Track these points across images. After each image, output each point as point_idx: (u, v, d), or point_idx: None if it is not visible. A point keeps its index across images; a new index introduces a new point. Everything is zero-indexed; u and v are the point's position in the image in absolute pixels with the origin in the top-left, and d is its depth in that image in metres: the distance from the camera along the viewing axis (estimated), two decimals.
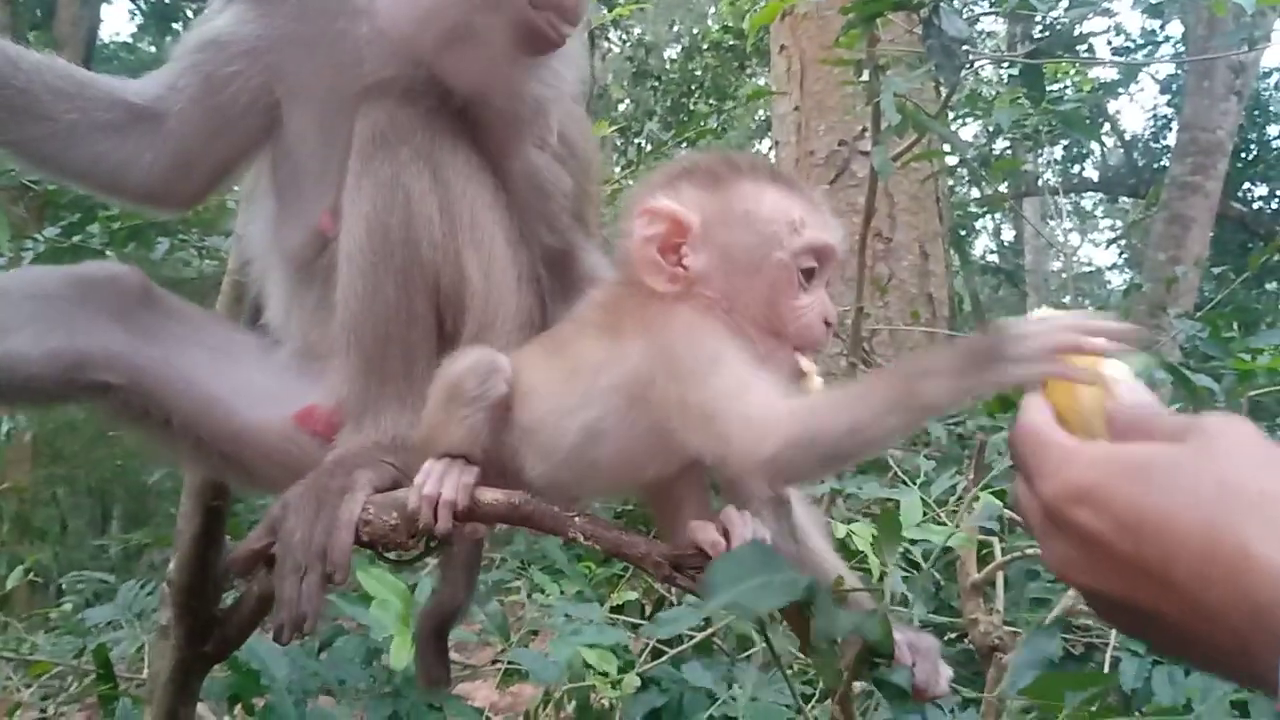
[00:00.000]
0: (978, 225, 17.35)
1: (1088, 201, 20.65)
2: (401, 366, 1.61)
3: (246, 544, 1.54)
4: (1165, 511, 0.87)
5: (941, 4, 2.92)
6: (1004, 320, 1.07)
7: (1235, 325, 4.60)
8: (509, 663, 3.07)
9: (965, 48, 3.05)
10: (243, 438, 1.73)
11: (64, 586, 6.17)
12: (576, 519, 1.33)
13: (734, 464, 1.17)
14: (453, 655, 3.96)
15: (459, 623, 1.80)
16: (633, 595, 3.59)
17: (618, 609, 3.61)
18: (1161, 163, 13.86)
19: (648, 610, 4.11)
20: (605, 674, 2.90)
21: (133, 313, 1.73)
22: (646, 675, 3.12)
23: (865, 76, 3.45)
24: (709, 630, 3.39)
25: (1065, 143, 14.35)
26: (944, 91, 3.51)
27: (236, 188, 2.21)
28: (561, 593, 3.47)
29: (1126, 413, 1.03)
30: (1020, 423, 1.04)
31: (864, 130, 3.53)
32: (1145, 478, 0.90)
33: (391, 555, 1.54)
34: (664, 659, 3.31)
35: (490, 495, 1.38)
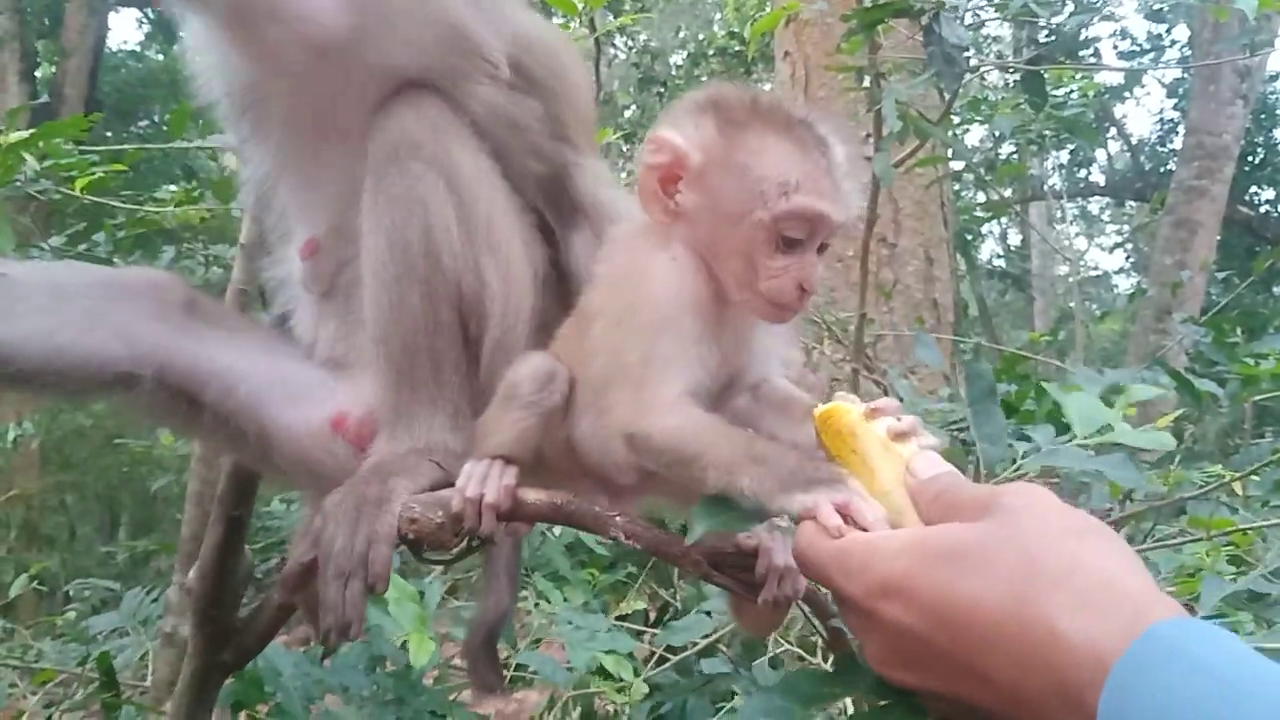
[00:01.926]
0: (984, 230, 17.33)
1: (1094, 206, 20.63)
2: (430, 374, 1.63)
3: (293, 560, 1.56)
4: (974, 598, 0.87)
5: (942, 11, 2.92)
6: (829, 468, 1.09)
7: (1240, 330, 4.59)
8: (515, 668, 3.07)
9: (967, 54, 3.05)
10: (279, 436, 1.75)
11: (71, 594, 6.19)
12: (617, 518, 1.33)
13: (603, 425, 1.25)
14: (456, 662, 3.99)
15: (505, 629, 1.82)
16: (641, 605, 3.60)
17: (623, 617, 3.62)
18: (1168, 167, 13.85)
19: (652, 616, 4.13)
20: (618, 679, 2.91)
21: (172, 313, 1.75)
22: (652, 681, 3.13)
23: (866, 83, 3.45)
24: (713, 636, 3.39)
25: (1071, 147, 14.34)
26: (947, 97, 3.51)
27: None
28: (565, 600, 3.47)
29: (928, 486, 1.03)
30: (805, 530, 1.04)
31: (868, 136, 3.52)
32: (951, 564, 0.90)
33: (433, 556, 1.55)
34: (668, 665, 3.32)
35: (532, 496, 1.39)
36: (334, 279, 1.80)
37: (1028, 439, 1.59)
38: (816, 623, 1.61)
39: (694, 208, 1.23)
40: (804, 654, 3.27)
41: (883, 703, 1.04)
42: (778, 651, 3.30)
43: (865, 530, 1.02)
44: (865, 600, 0.95)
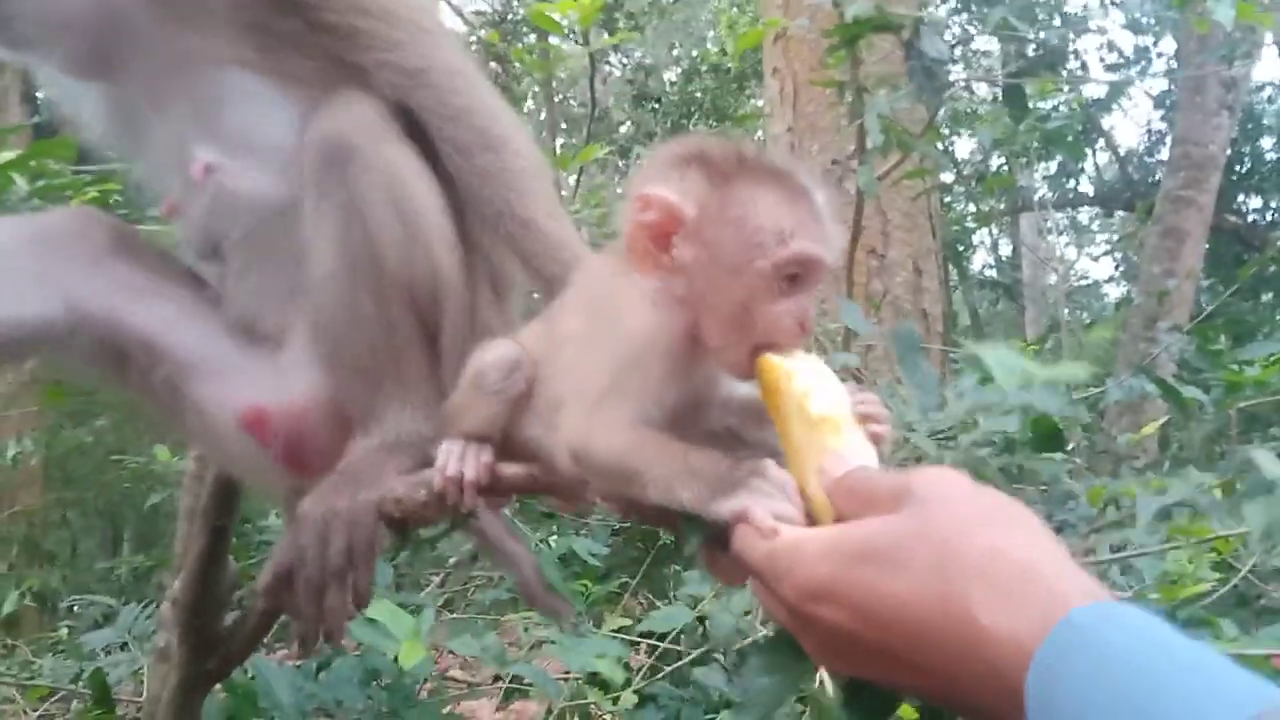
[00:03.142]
0: (976, 240, 17.40)
1: (1084, 216, 20.69)
2: (392, 370, 1.65)
3: (268, 569, 1.58)
4: (897, 596, 0.87)
5: (922, 26, 2.97)
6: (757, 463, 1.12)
7: (1224, 337, 4.63)
8: (510, 680, 3.10)
9: (948, 68, 3.09)
10: (192, 411, 1.75)
11: (75, 609, 6.19)
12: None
13: (552, 437, 1.29)
14: (455, 673, 4.00)
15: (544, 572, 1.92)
16: (626, 621, 3.62)
17: (618, 630, 3.63)
18: (1156, 177, 13.89)
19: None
20: (607, 686, 2.93)
21: (100, 262, 1.73)
22: (645, 692, 3.15)
23: (849, 98, 3.50)
24: (707, 646, 3.41)
25: (1059, 159, 14.40)
26: (930, 111, 3.55)
27: None
28: None
29: (840, 485, 1.04)
30: (740, 533, 1.05)
31: (854, 150, 3.56)
32: (870, 563, 0.90)
33: (419, 532, 1.58)
34: (662, 675, 3.34)
35: (510, 469, 1.43)
36: (213, 241, 1.78)
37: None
38: None
39: (691, 262, 1.23)
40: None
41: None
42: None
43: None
44: (796, 604, 0.96)
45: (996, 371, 1.70)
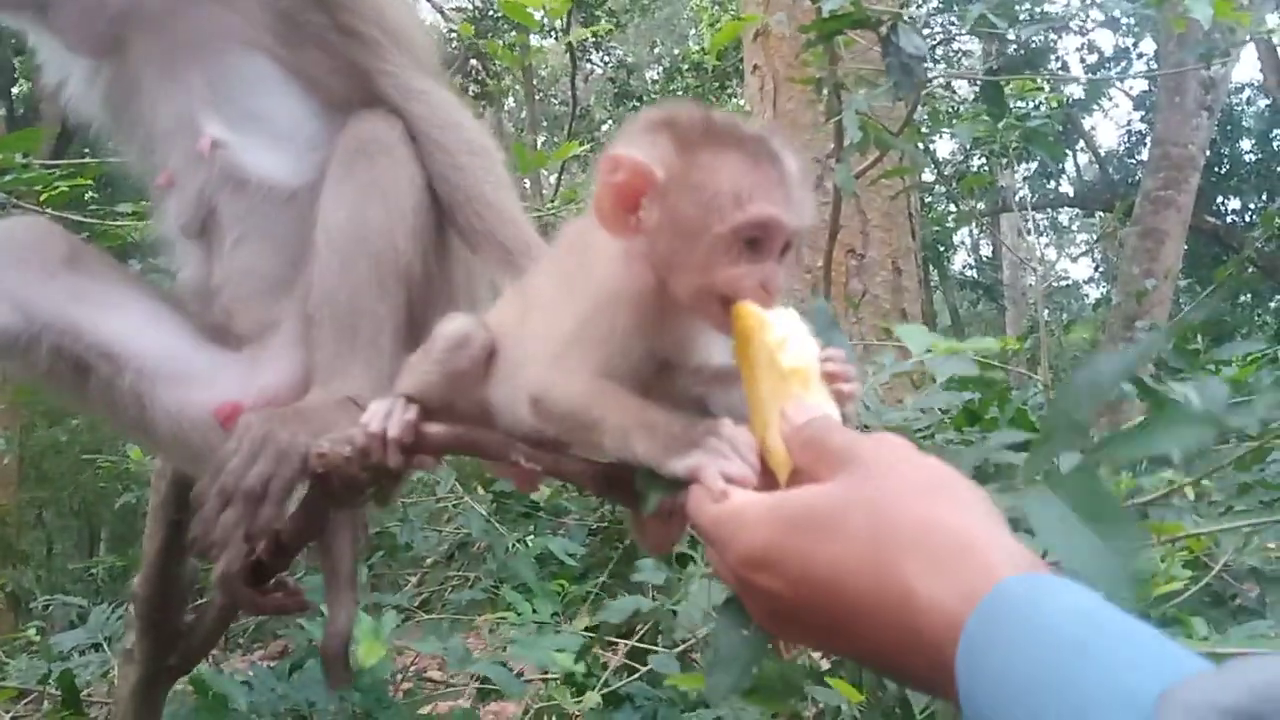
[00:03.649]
0: (956, 241, 17.46)
1: (1064, 217, 20.79)
2: (371, 336, 1.70)
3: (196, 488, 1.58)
4: (832, 564, 0.88)
5: (900, 22, 2.96)
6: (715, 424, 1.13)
7: (1201, 337, 4.64)
8: (484, 680, 3.07)
9: (925, 64, 3.08)
10: (157, 417, 1.76)
11: (48, 609, 6.13)
12: (519, 444, 1.36)
13: (513, 388, 1.31)
14: (432, 674, 3.98)
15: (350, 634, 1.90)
16: (596, 622, 3.60)
17: (593, 629, 3.61)
18: (1135, 178, 13.97)
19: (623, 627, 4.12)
20: (572, 677, 2.92)
21: (57, 275, 1.75)
22: (621, 691, 3.13)
23: (827, 94, 3.49)
24: (686, 644, 3.40)
25: (1039, 159, 14.45)
26: (908, 109, 3.55)
27: None
28: (535, 612, 3.47)
29: (798, 434, 1.04)
30: (692, 494, 1.06)
31: (831, 149, 3.56)
32: (807, 531, 0.91)
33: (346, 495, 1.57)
34: (637, 676, 3.32)
35: (434, 428, 1.42)
36: (203, 217, 1.83)
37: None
38: None
39: (655, 224, 1.24)
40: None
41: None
42: None
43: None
44: (738, 569, 0.97)
45: (910, 344, 1.79)
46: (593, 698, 2.84)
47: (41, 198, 3.31)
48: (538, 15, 3.61)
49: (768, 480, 1.07)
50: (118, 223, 3.84)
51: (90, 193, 3.72)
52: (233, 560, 1.54)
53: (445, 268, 1.88)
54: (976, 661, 0.75)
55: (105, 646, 3.66)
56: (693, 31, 15.76)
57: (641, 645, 3.38)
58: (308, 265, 1.74)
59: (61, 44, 1.86)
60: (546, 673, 3.27)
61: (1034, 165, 15.94)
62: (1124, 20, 13.75)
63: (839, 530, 0.88)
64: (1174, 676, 0.65)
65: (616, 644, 3.67)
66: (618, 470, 1.29)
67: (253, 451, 1.50)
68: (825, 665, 2.11)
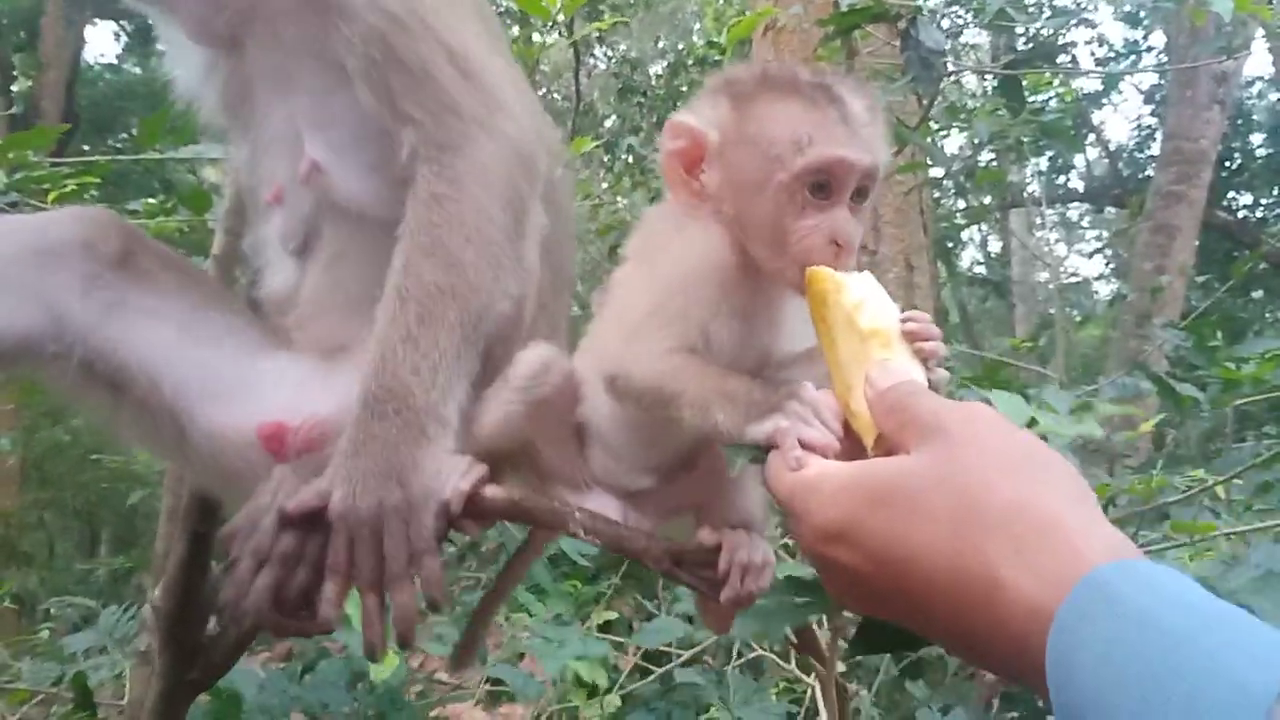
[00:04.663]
0: (965, 237, 17.39)
1: (1074, 212, 20.72)
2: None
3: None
4: (913, 543, 0.86)
5: (919, 16, 2.93)
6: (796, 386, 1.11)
7: (1219, 334, 4.60)
8: (496, 682, 3.05)
9: (944, 59, 3.05)
10: (195, 436, 1.68)
11: (52, 611, 6.12)
12: (577, 513, 1.32)
13: (592, 363, 1.30)
14: (441, 676, 3.96)
15: None
16: (613, 615, 3.57)
17: (604, 627, 3.59)
18: (1146, 173, 13.92)
19: (636, 627, 4.09)
20: (592, 686, 2.89)
21: (101, 278, 1.67)
22: (635, 694, 3.11)
23: None
24: (698, 647, 3.37)
25: (1050, 154, 14.40)
26: (925, 103, 3.51)
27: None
28: (548, 611, 3.44)
29: (884, 398, 1.02)
30: (770, 463, 1.05)
31: None
32: (888, 506, 0.89)
33: None
34: (652, 678, 3.29)
35: (494, 492, 1.38)
36: (306, 235, 1.75)
37: None
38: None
39: (719, 185, 1.23)
40: (779, 660, 3.26)
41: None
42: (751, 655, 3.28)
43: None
44: (813, 544, 0.96)
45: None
46: (612, 700, 2.81)
47: (50, 196, 3.29)
48: (550, 9, 3.57)
49: (852, 446, 1.05)
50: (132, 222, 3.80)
51: (94, 190, 3.68)
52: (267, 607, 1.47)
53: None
54: (1070, 651, 0.73)
55: (115, 649, 3.63)
56: (697, 26, 15.70)
57: (658, 649, 3.35)
58: None
59: (183, 32, 1.78)
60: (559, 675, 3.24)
61: (1044, 161, 15.88)
62: (1136, 12, 13.68)
63: (921, 508, 0.86)
64: None
65: (628, 647, 3.65)
66: (685, 552, 1.28)
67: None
68: None
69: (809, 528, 0.96)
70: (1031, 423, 1.70)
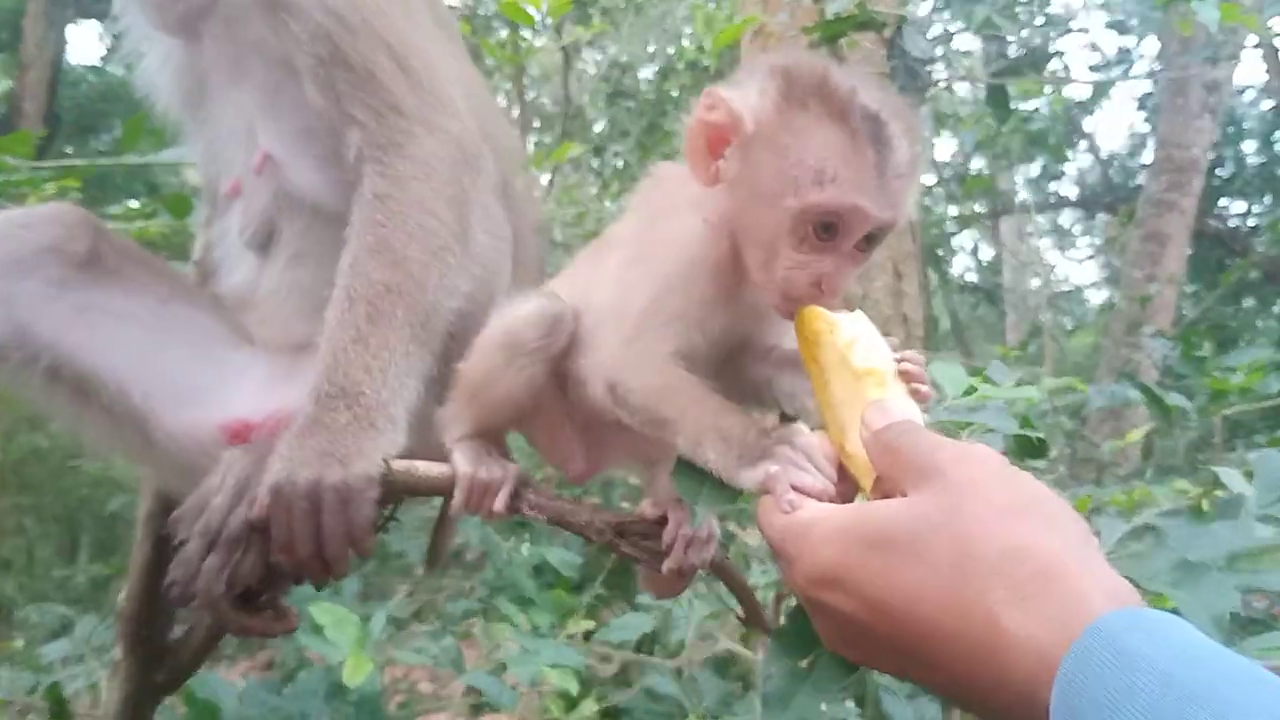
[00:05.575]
0: (956, 244, 17.40)
1: (1065, 219, 20.75)
2: None
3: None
4: (911, 590, 0.84)
5: (904, 24, 2.91)
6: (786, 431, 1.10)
7: (1209, 343, 4.59)
8: (475, 694, 3.02)
9: (930, 67, 3.03)
10: (160, 437, 1.69)
11: (31, 619, 6.06)
12: (529, 495, 1.35)
13: (584, 365, 1.26)
14: (424, 686, 3.93)
15: None
16: (590, 625, 3.54)
17: (587, 637, 3.56)
18: (1138, 180, 13.93)
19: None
20: (567, 694, 2.87)
21: (68, 283, 1.67)
22: (618, 705, 3.08)
23: None
24: (680, 657, 3.34)
25: (1041, 161, 14.42)
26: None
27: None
28: (531, 623, 3.42)
29: (879, 438, 1.00)
30: (762, 504, 1.03)
31: None
32: (885, 552, 0.87)
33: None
34: (633, 689, 3.27)
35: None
36: (265, 229, 1.76)
37: None
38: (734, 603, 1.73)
39: (734, 178, 1.18)
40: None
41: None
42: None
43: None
44: (805, 588, 0.94)
45: (945, 385, 1.71)
46: (588, 706, 2.79)
47: (30, 200, 3.24)
48: (536, 15, 3.55)
49: (847, 488, 1.04)
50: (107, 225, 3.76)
51: (75, 194, 3.65)
52: (215, 588, 1.46)
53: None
54: (1077, 701, 0.71)
55: (92, 657, 3.59)
56: (687, 30, 15.70)
57: (636, 656, 3.33)
58: None
59: (144, 17, 1.80)
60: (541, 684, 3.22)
61: (1035, 168, 15.90)
62: (1127, 20, 13.70)
63: (918, 553, 0.85)
64: None
65: (611, 656, 3.62)
66: (628, 524, 1.29)
67: (238, 491, 1.43)
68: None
69: (800, 572, 0.95)
70: (970, 390, 1.68)
